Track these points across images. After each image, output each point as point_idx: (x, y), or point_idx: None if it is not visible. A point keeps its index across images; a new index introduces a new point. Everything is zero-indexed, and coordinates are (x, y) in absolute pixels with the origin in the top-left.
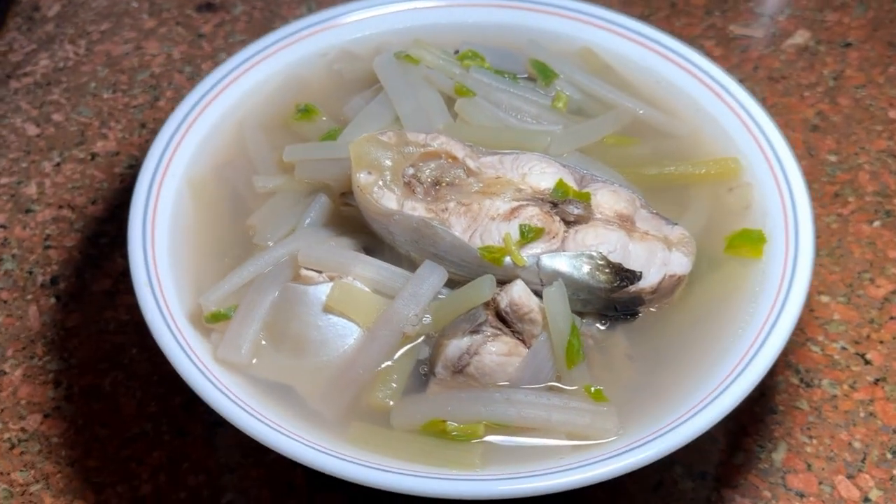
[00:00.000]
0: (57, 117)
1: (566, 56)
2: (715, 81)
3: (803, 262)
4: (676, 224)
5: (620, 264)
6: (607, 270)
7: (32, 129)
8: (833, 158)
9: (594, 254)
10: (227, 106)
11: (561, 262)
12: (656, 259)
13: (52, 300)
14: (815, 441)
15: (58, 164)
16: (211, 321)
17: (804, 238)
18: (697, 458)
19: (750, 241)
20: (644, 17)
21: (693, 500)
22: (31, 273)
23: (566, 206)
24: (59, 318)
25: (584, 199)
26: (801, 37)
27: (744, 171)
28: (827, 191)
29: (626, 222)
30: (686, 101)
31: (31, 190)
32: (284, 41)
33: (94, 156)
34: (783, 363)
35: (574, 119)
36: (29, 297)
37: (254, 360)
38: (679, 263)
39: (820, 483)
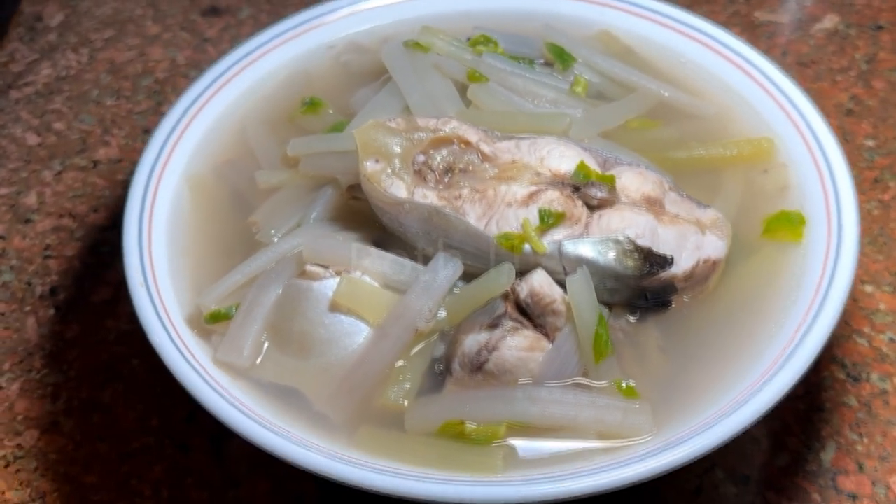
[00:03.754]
0: (58, 126)
1: (584, 40)
2: (744, 59)
3: (848, 244)
4: (709, 207)
5: (650, 249)
6: (636, 256)
7: (33, 139)
8: (871, 143)
9: (621, 238)
10: (228, 102)
11: (585, 248)
12: (688, 243)
13: (51, 311)
14: (865, 439)
15: (59, 173)
16: (210, 321)
17: (847, 218)
18: (739, 460)
19: (789, 224)
20: None
21: None
22: (29, 284)
23: (588, 190)
24: (57, 329)
25: (609, 182)
26: (830, 21)
27: (778, 151)
28: (866, 176)
29: (654, 205)
30: (713, 82)
31: (31, 200)
32: (288, 34)
33: (95, 163)
34: (828, 357)
35: (594, 103)
36: (27, 308)
37: (257, 362)
38: (714, 247)
39: (874, 484)
